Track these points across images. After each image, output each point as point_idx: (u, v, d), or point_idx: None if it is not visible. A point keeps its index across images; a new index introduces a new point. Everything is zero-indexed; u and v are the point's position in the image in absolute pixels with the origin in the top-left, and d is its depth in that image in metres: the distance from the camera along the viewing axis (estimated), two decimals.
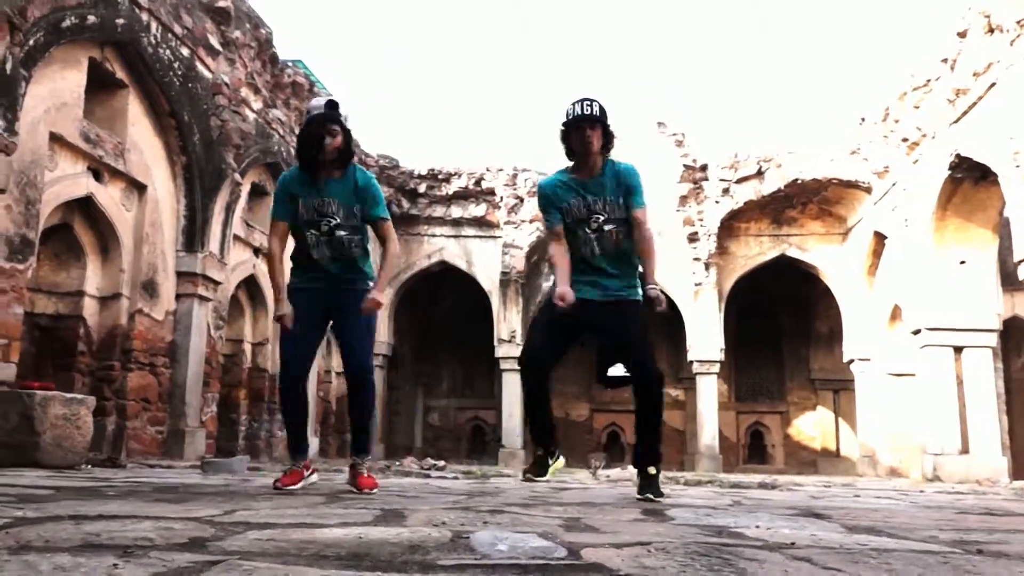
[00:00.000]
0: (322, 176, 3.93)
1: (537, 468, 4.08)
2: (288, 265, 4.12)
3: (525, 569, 1.53)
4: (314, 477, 4.28)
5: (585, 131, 3.85)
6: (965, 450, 11.55)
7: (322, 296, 4.05)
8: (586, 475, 9.73)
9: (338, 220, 3.93)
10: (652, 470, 3.84)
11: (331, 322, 4.17)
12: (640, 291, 3.96)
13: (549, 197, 4.01)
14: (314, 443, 13.57)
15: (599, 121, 3.88)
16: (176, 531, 1.94)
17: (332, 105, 3.91)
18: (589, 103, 3.89)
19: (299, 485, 3.93)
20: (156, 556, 1.53)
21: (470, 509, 2.93)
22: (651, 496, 3.71)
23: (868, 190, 14.36)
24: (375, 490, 3.97)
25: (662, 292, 3.86)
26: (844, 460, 18.51)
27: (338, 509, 2.77)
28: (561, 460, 4.17)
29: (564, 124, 3.89)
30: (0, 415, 5.23)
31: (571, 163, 4.01)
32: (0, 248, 7.10)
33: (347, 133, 3.95)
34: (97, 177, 8.69)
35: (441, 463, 9.96)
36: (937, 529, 2.71)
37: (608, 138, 3.91)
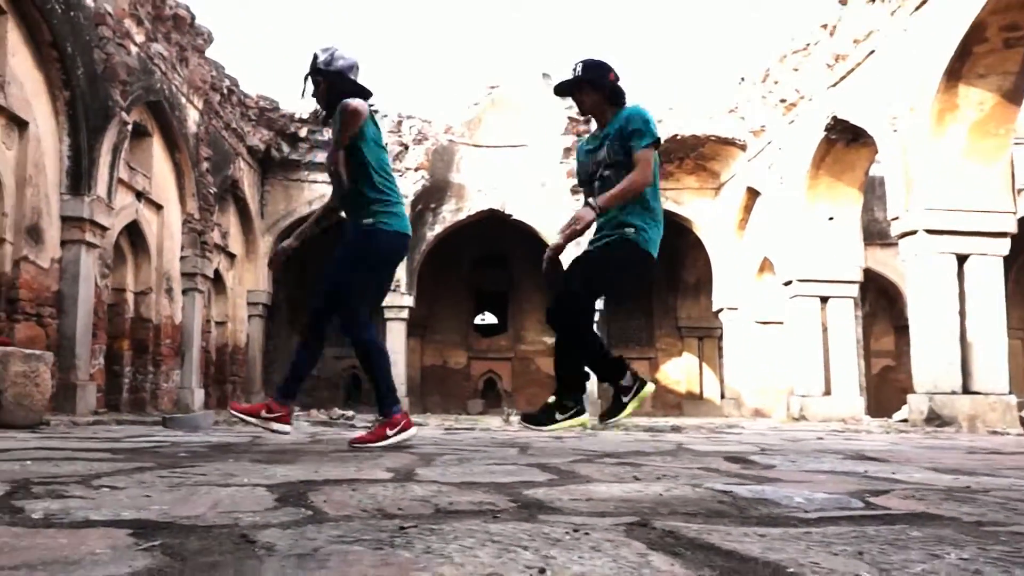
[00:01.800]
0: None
1: (539, 415, 4.01)
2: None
3: (854, 520, 1.62)
4: (408, 432, 3.87)
5: (574, 96, 4.02)
6: (828, 392, 12.61)
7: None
8: (498, 421, 10.01)
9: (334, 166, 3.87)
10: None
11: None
12: (629, 231, 3.84)
13: (578, 159, 4.18)
14: (199, 394, 13.13)
15: (581, 81, 3.95)
16: (473, 493, 1.94)
17: (313, 58, 3.94)
18: (574, 67, 3.98)
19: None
20: (567, 521, 1.51)
21: (593, 462, 3.03)
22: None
23: (743, 147, 15.11)
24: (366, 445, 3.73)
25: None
26: (707, 402, 19.74)
27: (507, 466, 2.80)
28: (585, 418, 4.03)
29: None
30: None
31: None
32: None
33: (321, 82, 3.92)
34: None
35: (349, 413, 9.93)
36: (997, 468, 3.03)
37: (602, 90, 3.96)
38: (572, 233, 3.70)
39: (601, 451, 3.78)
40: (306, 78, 3.92)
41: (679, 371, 20.90)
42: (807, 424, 10.76)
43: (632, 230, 3.83)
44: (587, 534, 1.33)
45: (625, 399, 3.92)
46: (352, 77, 3.91)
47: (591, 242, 4.05)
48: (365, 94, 3.90)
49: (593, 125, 4.23)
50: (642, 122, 3.81)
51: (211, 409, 13.66)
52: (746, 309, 16.04)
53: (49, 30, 8.81)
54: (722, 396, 18.21)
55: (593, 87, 3.97)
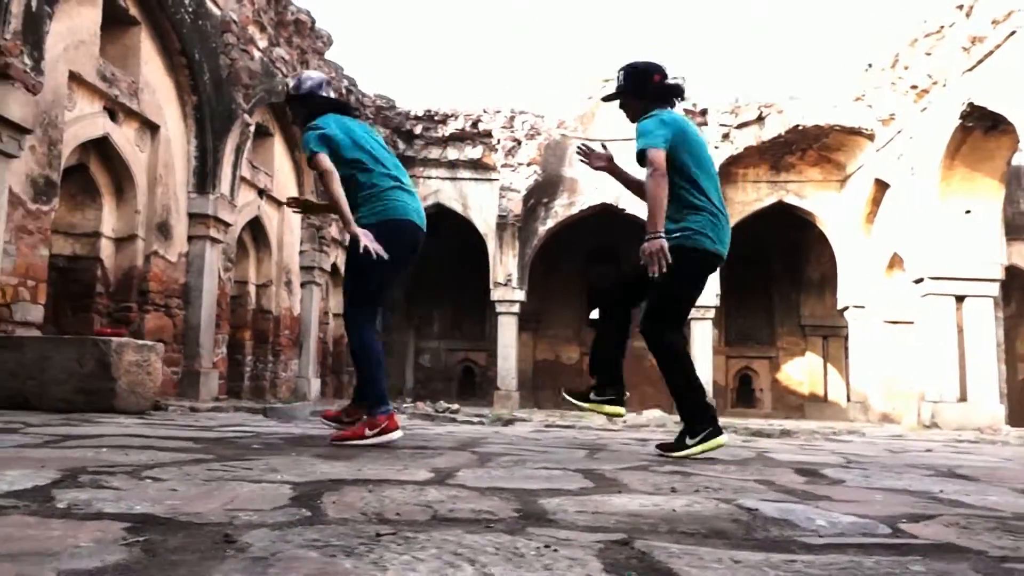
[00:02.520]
0: None
1: (582, 393, 3.95)
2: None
3: (864, 548, 1.53)
4: (390, 435, 3.78)
5: (622, 107, 3.99)
6: (963, 398, 11.80)
7: None
8: (601, 419, 9.85)
9: None
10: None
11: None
12: (675, 237, 3.67)
13: None
14: (315, 383, 13.60)
15: (621, 93, 3.92)
16: (478, 501, 1.93)
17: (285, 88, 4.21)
18: (617, 75, 3.95)
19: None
20: (556, 535, 1.50)
21: (647, 469, 2.95)
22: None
23: (871, 137, 14.38)
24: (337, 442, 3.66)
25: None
26: (831, 405, 18.90)
27: (527, 470, 2.74)
28: (619, 408, 3.93)
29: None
30: (76, 361, 5.20)
31: None
32: (26, 190, 6.96)
33: (296, 107, 4.10)
34: (112, 117, 8.47)
35: (455, 406, 10.04)
36: None
37: (646, 96, 3.85)
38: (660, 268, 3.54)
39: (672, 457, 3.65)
40: (286, 107, 4.26)
41: (801, 372, 20.10)
42: (936, 432, 10.09)
43: (678, 235, 3.65)
44: (555, 551, 1.31)
45: (594, 396, 3.88)
46: (322, 94, 4.03)
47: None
48: (337, 105, 4.02)
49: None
50: (644, 123, 3.70)
51: (326, 398, 14.16)
52: (874, 308, 15.27)
53: (178, 39, 9.34)
54: (848, 399, 17.38)
55: (636, 96, 3.89)
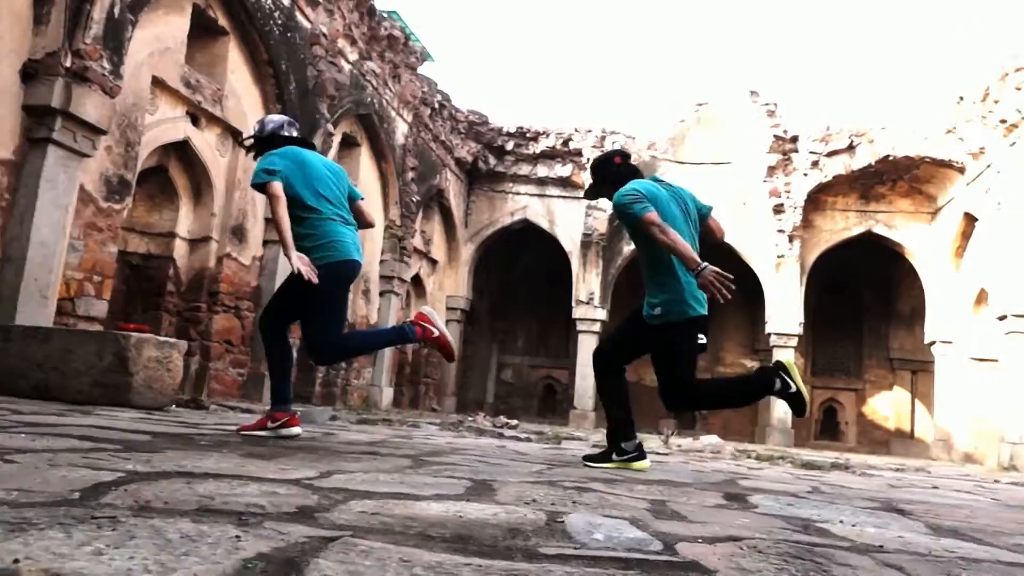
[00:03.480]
0: None
1: (603, 455, 4.17)
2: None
3: (626, 563, 1.54)
4: (290, 430, 4.26)
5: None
6: None
7: None
8: (657, 443, 9.84)
9: None
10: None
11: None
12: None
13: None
14: (388, 392, 13.96)
15: (595, 188, 4.40)
16: (282, 496, 2.00)
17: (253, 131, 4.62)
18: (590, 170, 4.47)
19: (264, 433, 4.14)
20: (271, 527, 1.57)
21: (555, 484, 2.97)
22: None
23: (961, 170, 13.88)
24: (245, 432, 4.12)
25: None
26: (918, 442, 18.11)
27: (427, 477, 2.79)
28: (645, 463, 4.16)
29: None
30: (95, 354, 5.38)
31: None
32: (99, 188, 7.51)
33: (257, 148, 4.48)
34: (194, 122, 9.05)
35: (514, 422, 10.17)
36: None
37: (603, 181, 4.30)
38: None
39: (628, 478, 3.59)
40: (248, 150, 4.63)
41: (888, 406, 19.33)
42: (1013, 475, 9.64)
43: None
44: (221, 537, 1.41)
45: (616, 457, 4.09)
46: (284, 134, 4.43)
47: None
48: (296, 142, 4.41)
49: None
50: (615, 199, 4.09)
51: (401, 407, 14.52)
52: (961, 343, 14.63)
53: (266, 50, 9.88)
54: (934, 436, 16.66)
55: (608, 183, 4.24)
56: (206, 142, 9.30)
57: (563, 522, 1.97)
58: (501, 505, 2.23)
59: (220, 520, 1.59)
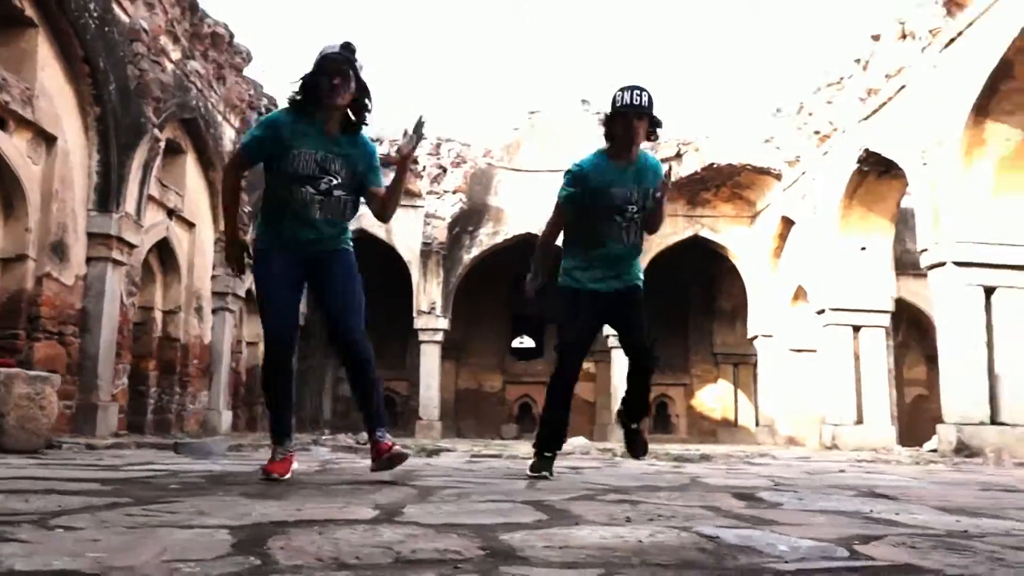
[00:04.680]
0: (329, 129, 3.54)
1: (543, 464, 4.11)
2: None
3: (831, 573, 1.57)
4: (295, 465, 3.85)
5: (633, 121, 3.84)
6: (860, 420, 12.44)
7: (300, 260, 3.69)
8: (527, 448, 9.81)
9: (339, 180, 3.57)
10: (634, 426, 4.35)
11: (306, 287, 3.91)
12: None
13: (587, 176, 3.97)
14: (226, 416, 13.18)
15: (647, 113, 3.85)
16: (434, 538, 1.87)
17: (348, 47, 3.48)
18: (639, 92, 3.82)
19: (289, 474, 3.63)
20: (521, 571, 1.47)
21: (595, 499, 2.96)
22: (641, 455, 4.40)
23: (779, 177, 14.97)
24: (389, 451, 3.62)
25: None
26: (741, 430, 19.38)
27: (479, 504, 2.69)
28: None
29: (613, 110, 3.86)
30: None
31: (607, 145, 4.02)
32: None
33: (363, 86, 3.54)
34: (2, 125, 8.00)
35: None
36: (1004, 508, 2.99)
37: (653, 127, 3.91)
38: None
39: (609, 485, 3.68)
40: (352, 67, 3.55)
41: (714, 398, 20.58)
42: (838, 454, 10.50)
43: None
44: None
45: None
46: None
47: (623, 278, 4.13)
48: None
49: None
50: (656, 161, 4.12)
51: (239, 431, 13.76)
52: (780, 337, 15.81)
53: (81, 45, 8.88)
54: (756, 424, 17.87)
55: (650, 121, 3.93)
56: (16, 148, 8.24)
57: (718, 538, 1.95)
58: (629, 525, 2.18)
59: (462, 568, 1.50)
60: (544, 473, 4.01)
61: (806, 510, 2.73)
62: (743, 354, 19.52)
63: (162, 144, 10.67)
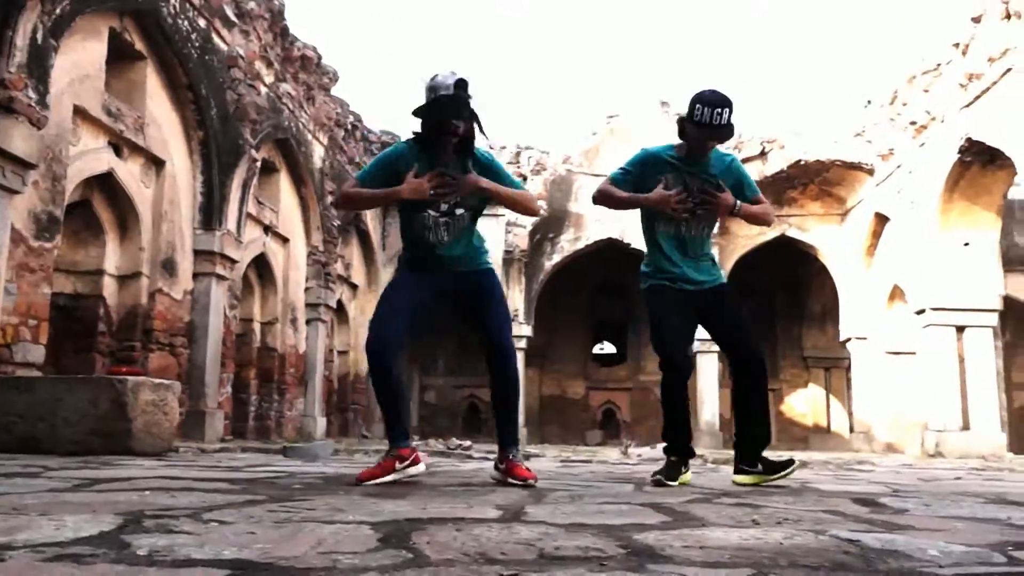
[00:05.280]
0: (445, 159, 3.62)
1: (669, 472, 3.84)
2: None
3: None
4: (418, 468, 3.72)
5: (707, 141, 3.77)
6: (966, 426, 11.86)
7: (435, 281, 3.75)
8: (616, 454, 9.80)
9: (459, 198, 3.64)
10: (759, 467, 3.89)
11: (455, 307, 3.91)
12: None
13: (652, 162, 3.92)
14: (321, 422, 13.53)
15: (724, 136, 3.75)
16: (570, 536, 1.89)
17: (461, 85, 3.51)
18: (719, 112, 3.65)
19: (390, 477, 3.54)
20: (674, 571, 1.47)
21: (711, 502, 2.93)
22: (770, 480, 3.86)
23: (871, 172, 14.52)
24: (534, 481, 3.56)
25: None
26: (834, 436, 18.85)
27: (592, 506, 2.69)
28: (689, 475, 4.01)
29: (691, 118, 3.71)
30: (89, 402, 5.09)
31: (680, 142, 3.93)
32: (28, 226, 6.94)
33: (474, 115, 3.59)
34: (117, 152, 8.50)
35: (467, 443, 9.96)
36: None
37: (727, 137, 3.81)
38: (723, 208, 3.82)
39: (720, 489, 3.62)
40: (466, 106, 3.59)
41: (804, 403, 20.09)
42: (943, 461, 10.08)
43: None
44: None
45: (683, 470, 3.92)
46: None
47: (703, 274, 3.98)
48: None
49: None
50: (745, 169, 4.10)
51: (332, 437, 14.08)
52: (876, 339, 15.29)
53: (185, 73, 9.40)
54: (851, 430, 17.31)
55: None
56: (130, 173, 8.74)
57: (860, 542, 1.89)
58: (759, 528, 2.14)
59: (608, 565, 1.51)
60: (663, 478, 3.80)
61: (939, 516, 2.63)
62: (835, 357, 19.02)
63: (259, 164, 11.07)
